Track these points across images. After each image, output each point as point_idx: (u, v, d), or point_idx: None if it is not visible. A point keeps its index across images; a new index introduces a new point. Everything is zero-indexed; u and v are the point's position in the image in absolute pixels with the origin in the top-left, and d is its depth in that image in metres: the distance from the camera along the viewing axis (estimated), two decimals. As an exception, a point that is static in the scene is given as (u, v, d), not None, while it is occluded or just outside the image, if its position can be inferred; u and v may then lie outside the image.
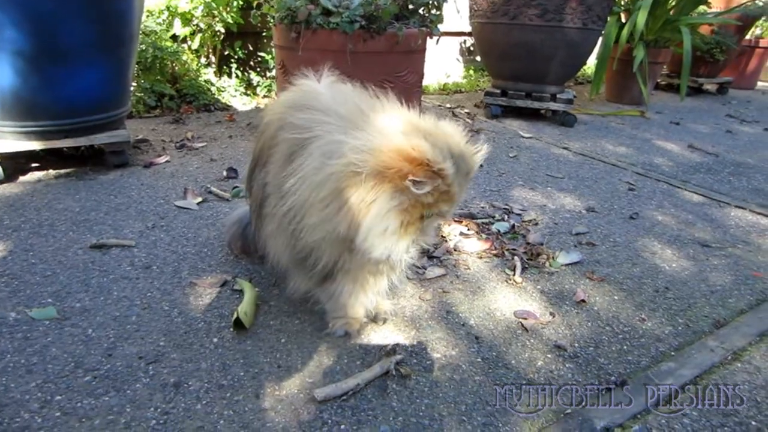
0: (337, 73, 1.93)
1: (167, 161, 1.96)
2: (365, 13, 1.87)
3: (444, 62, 4.08)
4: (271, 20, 2.00)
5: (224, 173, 1.85)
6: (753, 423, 0.91)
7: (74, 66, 1.65)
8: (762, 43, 4.66)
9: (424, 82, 3.60)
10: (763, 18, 4.49)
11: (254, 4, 2.30)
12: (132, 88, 2.41)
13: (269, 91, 2.94)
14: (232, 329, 1.08)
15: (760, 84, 4.98)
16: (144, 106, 2.49)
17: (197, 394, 0.91)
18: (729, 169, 2.32)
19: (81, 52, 1.64)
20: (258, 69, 3.05)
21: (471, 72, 4.19)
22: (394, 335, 1.09)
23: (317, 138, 0.88)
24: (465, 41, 4.17)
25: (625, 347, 1.09)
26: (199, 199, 1.66)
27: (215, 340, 1.05)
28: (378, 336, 1.09)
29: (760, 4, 4.28)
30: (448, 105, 3.13)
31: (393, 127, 0.85)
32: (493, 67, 3.06)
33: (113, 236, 1.41)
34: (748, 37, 4.53)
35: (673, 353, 1.08)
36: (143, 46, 2.36)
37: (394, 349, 1.02)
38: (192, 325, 1.09)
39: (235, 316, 1.08)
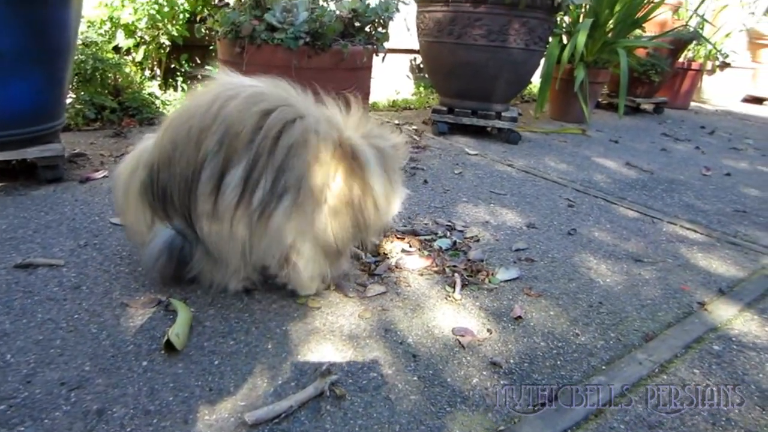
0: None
1: (105, 176, 1.89)
2: (310, 30, 1.88)
3: (394, 79, 4.12)
4: (216, 34, 1.97)
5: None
6: (676, 434, 0.94)
7: (2, 76, 1.58)
8: (694, 65, 4.92)
9: (374, 99, 3.63)
10: (694, 42, 4.76)
11: (198, 18, 2.28)
12: (70, 101, 2.33)
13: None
14: (163, 352, 1.04)
15: (693, 104, 5.25)
16: (83, 118, 2.40)
17: (121, 421, 0.87)
18: (662, 185, 2.43)
19: (9, 62, 1.57)
20: (205, 82, 3.00)
21: (421, 89, 4.25)
22: (331, 355, 1.08)
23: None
24: (415, 58, 4.24)
25: (558, 362, 1.12)
26: (136, 217, 1.61)
27: (144, 363, 1.01)
28: (315, 356, 1.07)
29: (691, 29, 4.54)
30: (396, 121, 3.17)
31: None
32: (441, 85, 3.11)
33: (41, 255, 1.35)
34: (681, 59, 4.78)
35: (604, 367, 1.11)
36: (83, 57, 2.29)
37: (329, 369, 1.01)
38: (121, 348, 1.04)
39: (166, 338, 1.05)
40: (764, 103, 5.91)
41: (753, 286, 1.52)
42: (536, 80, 4.00)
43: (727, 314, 1.35)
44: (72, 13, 1.71)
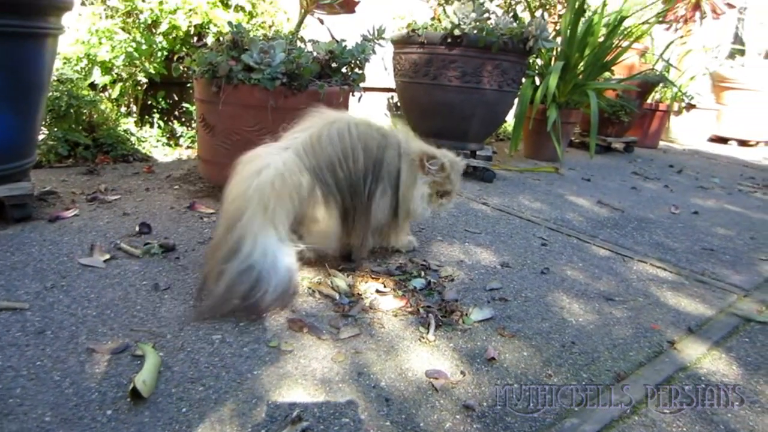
0: (259, 128, 1.93)
1: (75, 215, 1.87)
2: (287, 71, 1.90)
3: (372, 117, 4.18)
4: (192, 73, 1.99)
5: (137, 228, 1.78)
6: (648, 478, 0.94)
7: (-28, 116, 1.56)
8: (661, 106, 5.10)
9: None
10: (661, 85, 4.95)
11: (174, 57, 2.29)
12: (43, 137, 2.31)
13: (193, 142, 2.90)
14: (129, 399, 1.01)
15: (662, 143, 5.42)
16: (55, 155, 2.38)
17: (81, 476, 0.83)
18: (633, 224, 2.48)
19: (-20, 101, 1.56)
20: (182, 119, 3.01)
21: (398, 127, 4.30)
22: (303, 400, 1.06)
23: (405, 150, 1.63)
24: (392, 96, 4.31)
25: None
26: (107, 257, 1.58)
27: (109, 412, 0.98)
28: (286, 401, 1.06)
29: (658, 72, 4.72)
30: (373, 159, 3.20)
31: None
32: (417, 124, 3.16)
33: (4, 298, 1.31)
34: (649, 101, 4.96)
35: (576, 408, 1.11)
36: (57, 94, 2.28)
37: (300, 416, 1.00)
38: (84, 396, 1.01)
39: (132, 385, 1.02)
40: (729, 142, 6.13)
41: (720, 324, 1.55)
42: (511, 120, 4.10)
43: (696, 353, 1.37)
44: (46, 50, 1.71)
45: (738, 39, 8.42)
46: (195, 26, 2.47)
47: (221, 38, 2.00)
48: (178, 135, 2.91)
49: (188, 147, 2.88)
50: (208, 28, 2.48)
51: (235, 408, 1.03)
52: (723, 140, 6.15)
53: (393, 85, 3.36)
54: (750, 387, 1.25)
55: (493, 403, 1.10)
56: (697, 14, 5.47)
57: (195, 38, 2.49)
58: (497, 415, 1.07)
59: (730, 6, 5.92)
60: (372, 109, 4.15)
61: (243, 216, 1.33)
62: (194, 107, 2.86)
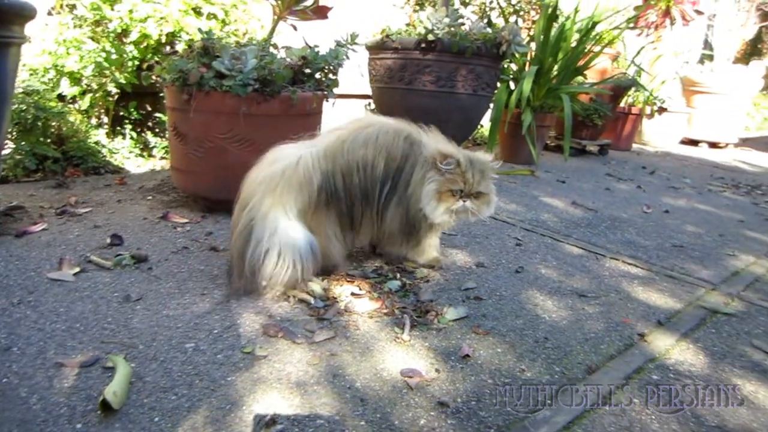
0: (232, 135, 1.93)
1: (44, 229, 1.83)
2: (259, 77, 1.90)
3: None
4: (162, 81, 1.98)
5: (108, 240, 1.76)
6: (618, 466, 0.95)
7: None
8: (634, 110, 5.21)
9: (328, 144, 3.67)
10: (633, 89, 5.05)
11: (144, 66, 2.28)
12: (8, 151, 2.27)
13: (167, 152, 2.87)
14: (99, 412, 0.99)
15: (635, 146, 5.52)
16: (23, 169, 2.34)
17: (48, 486, 0.82)
18: (606, 223, 2.52)
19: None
20: (156, 130, 2.98)
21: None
22: (277, 404, 1.06)
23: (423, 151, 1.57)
24: (369, 103, 4.33)
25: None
26: (77, 270, 1.55)
27: (79, 426, 0.96)
28: (260, 406, 1.05)
29: (630, 77, 4.82)
30: (350, 165, 3.21)
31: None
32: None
33: (-30, 313, 1.28)
34: (622, 104, 5.05)
35: (549, 401, 1.12)
36: (23, 107, 2.24)
37: (274, 419, 0.99)
38: (53, 411, 0.99)
39: (101, 397, 1.00)
40: (700, 144, 6.26)
41: (689, 317, 1.58)
42: (487, 124, 4.15)
43: (665, 344, 1.40)
44: (9, 60, 1.67)
45: (708, 45, 8.65)
46: (167, 35, 2.46)
47: (192, 45, 1.99)
48: (151, 146, 2.88)
49: (162, 158, 2.86)
50: (180, 37, 2.47)
51: (208, 415, 1.02)
52: (694, 142, 6.28)
53: (369, 92, 3.38)
54: (716, 375, 1.28)
55: (467, 399, 1.11)
56: (668, 20, 5.60)
57: (167, 47, 2.48)
58: (471, 410, 1.08)
59: (699, 13, 6.08)
60: (349, 115, 4.16)
61: (253, 199, 1.45)
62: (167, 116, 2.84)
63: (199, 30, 1.96)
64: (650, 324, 1.51)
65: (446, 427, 1.02)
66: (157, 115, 2.93)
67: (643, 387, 1.20)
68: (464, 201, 1.55)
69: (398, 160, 1.55)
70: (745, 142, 6.70)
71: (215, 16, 2.62)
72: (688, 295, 1.74)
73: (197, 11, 2.57)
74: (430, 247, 1.75)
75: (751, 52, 10.48)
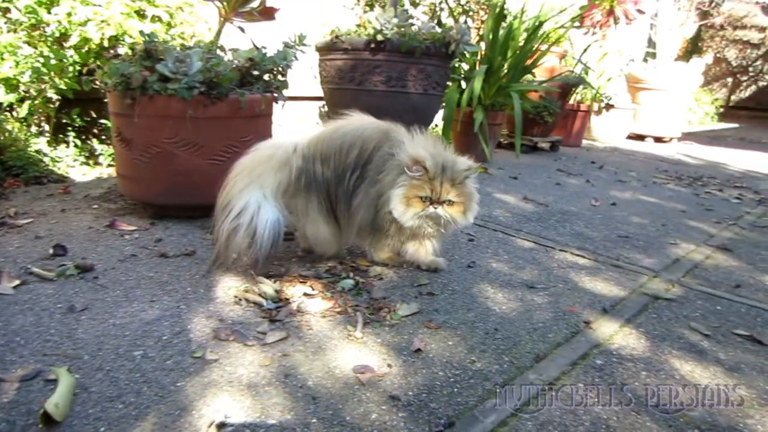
0: (179, 139, 1.90)
1: (-19, 240, 1.76)
2: (205, 80, 1.88)
3: (303, 126, 4.18)
4: (104, 86, 1.93)
5: (50, 251, 1.70)
6: (562, 448, 0.99)
7: None
8: (583, 107, 5.37)
9: (282, 146, 3.64)
10: (581, 86, 5.21)
11: (84, 70, 2.21)
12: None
13: (114, 159, 2.79)
14: (40, 426, 0.96)
15: (585, 142, 5.69)
16: (-42, 181, 2.24)
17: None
18: (556, 217, 2.59)
19: None
20: (102, 137, 2.90)
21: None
22: (228, 406, 1.05)
23: (398, 153, 1.55)
24: (324, 105, 4.33)
25: (455, 389, 1.14)
26: (17, 282, 1.49)
27: (18, 439, 0.93)
28: (210, 409, 1.04)
29: (577, 74, 4.97)
30: (304, 167, 3.19)
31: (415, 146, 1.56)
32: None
33: None
34: (571, 102, 5.20)
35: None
36: (-43, 115, 2.15)
37: (223, 422, 0.98)
38: (-10, 426, 0.96)
39: (42, 410, 0.97)
40: (645, 139, 6.50)
41: (632, 303, 1.65)
42: (439, 123, 4.20)
43: (610, 331, 1.45)
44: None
45: (651, 43, 8.98)
46: (109, 38, 2.39)
47: (135, 49, 1.95)
48: (97, 153, 2.80)
49: (109, 165, 2.78)
50: (124, 40, 2.41)
51: (157, 421, 1.00)
52: (640, 137, 6.52)
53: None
54: (656, 357, 1.34)
55: (418, 392, 1.12)
56: (612, 20, 5.79)
57: (110, 51, 2.41)
58: (422, 402, 1.09)
59: (641, 12, 6.31)
60: (304, 118, 4.15)
61: (235, 178, 1.56)
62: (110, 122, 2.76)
63: (141, 32, 1.91)
64: (596, 312, 1.57)
65: (397, 420, 1.04)
66: (103, 121, 2.85)
67: (588, 372, 1.25)
68: (435, 207, 1.54)
69: (370, 150, 1.58)
70: (687, 136, 7.00)
71: (160, 19, 2.57)
72: (632, 282, 1.81)
73: (140, 14, 2.51)
74: (431, 247, 1.75)
75: (691, 50, 10.94)
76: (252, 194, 1.54)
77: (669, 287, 1.80)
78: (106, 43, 2.41)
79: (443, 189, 1.53)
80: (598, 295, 1.69)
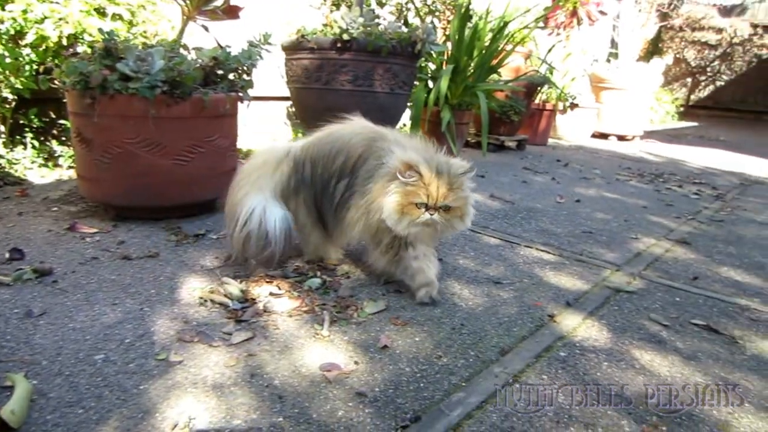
0: (141, 139, 1.86)
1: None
2: (167, 79, 1.85)
3: (271, 126, 4.14)
4: (63, 85, 1.88)
5: (6, 255, 1.65)
6: (526, 438, 1.01)
7: None
8: (548, 106, 5.47)
9: (249, 147, 3.61)
10: (546, 86, 5.30)
11: (42, 69, 2.15)
12: None
13: (75, 161, 2.72)
14: (-6, 434, 0.94)
15: (551, 140, 5.79)
16: None
17: None
18: (522, 214, 2.63)
19: None
20: (62, 138, 2.82)
21: (299, 135, 4.30)
22: (192, 407, 1.03)
23: (388, 160, 1.46)
24: (292, 105, 4.30)
25: (422, 384, 1.15)
26: (-30, 287, 1.45)
27: (-29, 447, 0.90)
28: (174, 411, 1.02)
29: (541, 74, 5.06)
30: (272, 168, 3.17)
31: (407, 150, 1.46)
32: (312, 129, 3.18)
33: None
34: (536, 101, 5.29)
35: (464, 384, 1.17)
36: None
37: (187, 423, 0.97)
38: (-59, 434, 0.92)
39: (-4, 417, 0.94)
40: (609, 138, 6.66)
41: (595, 296, 1.69)
42: (407, 122, 4.22)
43: (573, 323, 1.49)
44: None
45: (614, 44, 9.20)
46: (67, 36, 2.33)
47: (94, 47, 1.90)
48: (57, 155, 2.72)
49: (70, 167, 2.71)
50: (83, 38, 2.35)
51: (119, 425, 0.98)
52: (604, 136, 6.67)
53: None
54: (617, 348, 1.38)
55: (385, 388, 1.13)
56: (575, 21, 5.92)
57: (69, 49, 2.35)
58: (389, 398, 1.10)
59: (603, 13, 6.47)
60: (272, 119, 4.11)
61: (234, 188, 1.63)
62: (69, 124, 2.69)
63: (100, 30, 1.87)
64: (560, 305, 1.60)
65: (364, 416, 1.04)
66: (63, 122, 2.77)
67: (552, 364, 1.27)
68: (431, 214, 1.42)
69: (355, 158, 1.55)
70: (649, 135, 7.19)
71: (121, 17, 2.51)
72: (595, 276, 1.86)
73: (100, 12, 2.46)
74: (421, 256, 1.55)
75: (652, 50, 11.24)
76: (254, 199, 1.57)
77: (630, 280, 1.85)
78: (64, 42, 2.34)
79: (440, 194, 1.41)
80: (563, 289, 1.72)
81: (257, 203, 1.56)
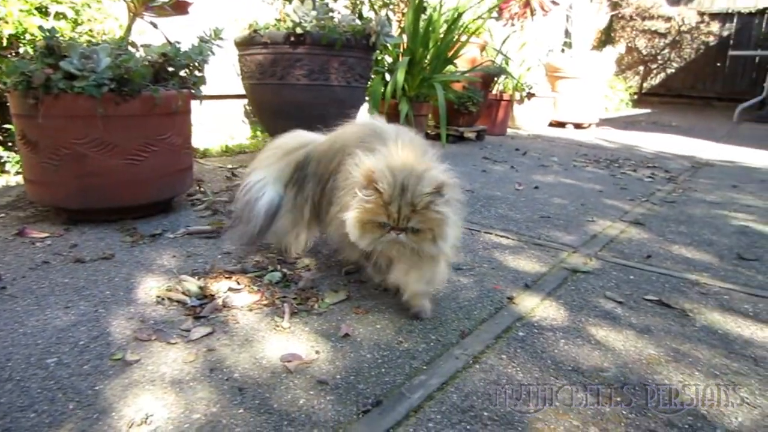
0: (90, 139, 1.81)
1: None
2: (115, 76, 1.80)
3: (228, 124, 4.08)
4: (3, 86, 1.81)
5: (-51, 265, 1.59)
6: (485, 414, 1.03)
7: None
8: (505, 96, 5.54)
9: (206, 146, 3.55)
10: (503, 76, 5.37)
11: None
12: None
13: (21, 164, 2.62)
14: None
15: (509, 130, 5.88)
16: None
17: None
18: (482, 201, 2.67)
19: None
20: (7, 143, 2.71)
21: (258, 133, 4.25)
22: (150, 405, 1.02)
23: (353, 170, 1.31)
24: (248, 103, 4.24)
25: (383, 370, 1.16)
26: None
27: None
28: (132, 409, 1.01)
29: (497, 65, 5.12)
30: (230, 166, 3.12)
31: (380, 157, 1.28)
32: (268, 126, 3.15)
33: None
34: (494, 92, 5.36)
35: (425, 367, 1.18)
36: None
37: (146, 420, 0.95)
38: None
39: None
40: (566, 126, 6.80)
41: (552, 278, 1.73)
42: (366, 115, 4.21)
43: (531, 304, 1.52)
44: None
45: (568, 34, 9.38)
46: (8, 37, 2.24)
47: (35, 46, 1.84)
48: (3, 160, 2.62)
49: (18, 172, 2.61)
50: (24, 38, 2.27)
51: (73, 427, 0.96)
52: (561, 124, 6.81)
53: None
54: (573, 326, 1.41)
55: (346, 375, 1.13)
56: (528, 11, 6.01)
57: (10, 50, 2.26)
58: (350, 384, 1.10)
59: (555, 3, 6.58)
60: (229, 117, 4.05)
61: (251, 169, 1.72)
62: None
63: (40, 28, 1.81)
64: (518, 288, 1.63)
65: (325, 402, 1.04)
66: (7, 126, 2.66)
67: (511, 344, 1.30)
68: (396, 234, 1.23)
69: (342, 159, 1.44)
70: (605, 122, 7.38)
71: (65, 16, 2.43)
72: (553, 259, 1.90)
73: (42, 11, 2.37)
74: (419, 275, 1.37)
75: (605, 40, 11.51)
76: (256, 175, 1.67)
77: (587, 261, 1.90)
78: (4, 42, 2.26)
79: (401, 216, 1.21)
80: (521, 272, 1.76)
81: (258, 179, 1.65)
